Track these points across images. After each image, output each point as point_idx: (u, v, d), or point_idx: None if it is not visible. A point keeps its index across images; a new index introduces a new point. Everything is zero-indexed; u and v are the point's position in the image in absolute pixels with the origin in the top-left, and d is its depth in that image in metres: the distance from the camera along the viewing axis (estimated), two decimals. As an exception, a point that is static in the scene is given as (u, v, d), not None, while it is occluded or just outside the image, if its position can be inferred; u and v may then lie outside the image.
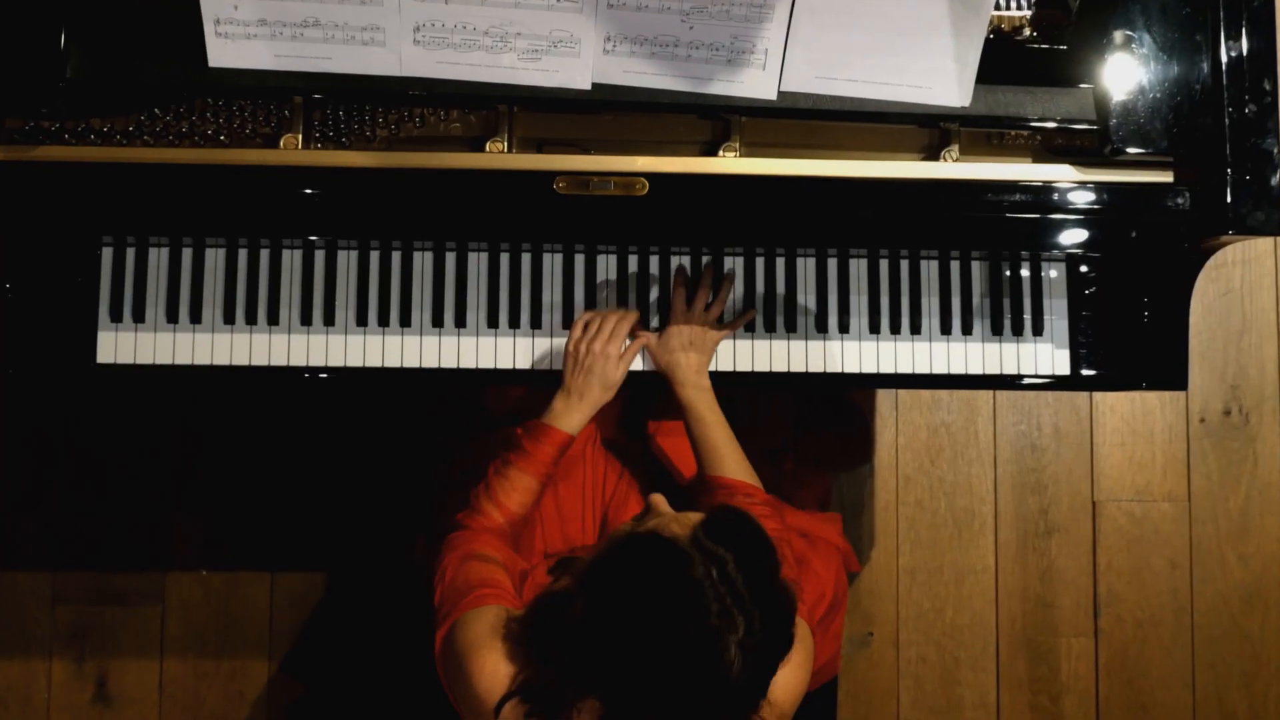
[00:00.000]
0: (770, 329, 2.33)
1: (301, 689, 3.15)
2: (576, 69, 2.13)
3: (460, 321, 2.31)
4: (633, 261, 2.34)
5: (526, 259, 2.33)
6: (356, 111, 2.24)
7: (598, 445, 2.46)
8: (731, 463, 2.24)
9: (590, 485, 2.41)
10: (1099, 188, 2.23)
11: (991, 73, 2.16)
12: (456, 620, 1.90)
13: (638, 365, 2.32)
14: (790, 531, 2.23)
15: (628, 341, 2.28)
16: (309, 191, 2.20)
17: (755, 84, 2.15)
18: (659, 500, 1.88)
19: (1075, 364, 2.33)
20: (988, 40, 2.12)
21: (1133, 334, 2.31)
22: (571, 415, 2.23)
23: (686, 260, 2.34)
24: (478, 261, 2.32)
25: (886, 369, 2.34)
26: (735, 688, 1.64)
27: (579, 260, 2.33)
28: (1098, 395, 3.27)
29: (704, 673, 1.62)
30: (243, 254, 2.30)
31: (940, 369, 2.34)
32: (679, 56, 2.12)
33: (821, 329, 2.33)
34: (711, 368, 2.30)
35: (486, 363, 2.31)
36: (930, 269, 2.35)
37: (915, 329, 2.33)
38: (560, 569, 1.88)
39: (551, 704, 1.73)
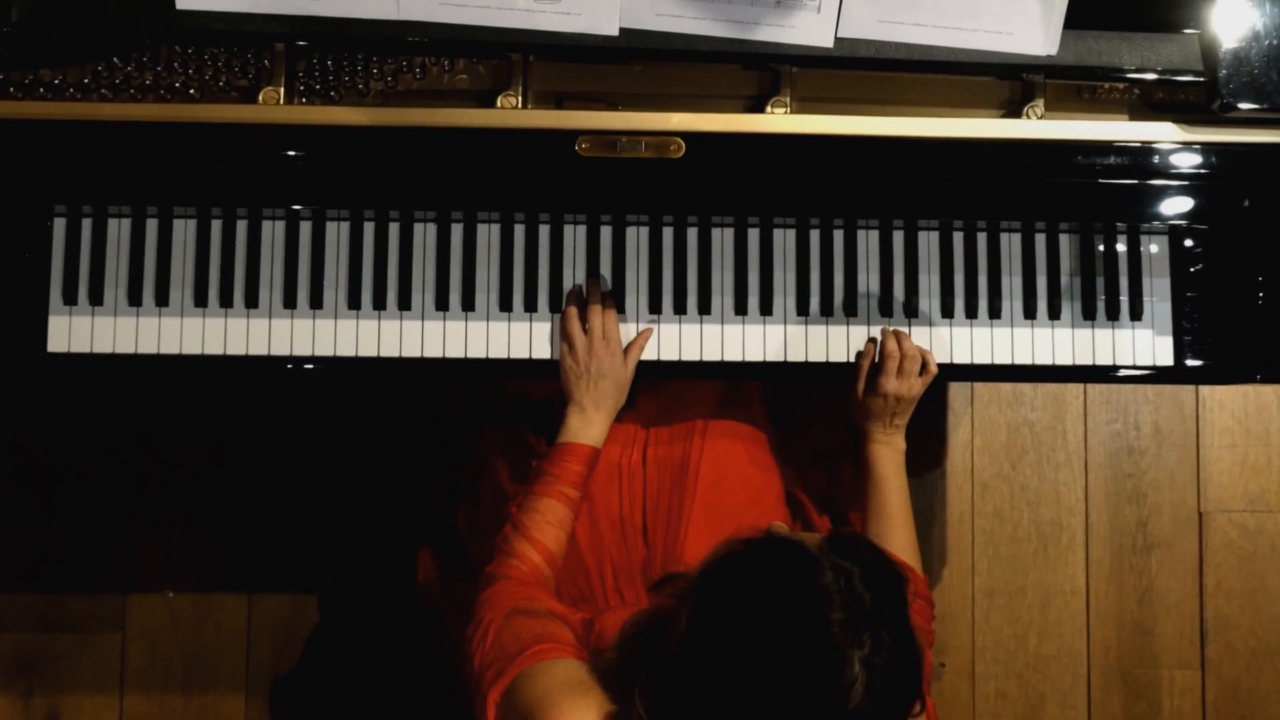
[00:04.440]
0: (827, 313, 2.33)
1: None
2: (602, 11, 2.12)
3: (468, 304, 2.30)
4: (667, 234, 2.33)
5: (544, 231, 2.33)
6: (347, 61, 2.25)
7: (637, 453, 2.43)
8: (899, 535, 2.31)
9: (627, 496, 2.39)
10: (1206, 149, 2.23)
11: (1082, 16, 2.17)
12: (518, 676, 1.87)
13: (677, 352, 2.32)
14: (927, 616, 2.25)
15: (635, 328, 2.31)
16: (292, 153, 2.21)
17: (808, 29, 2.14)
18: (779, 526, 1.90)
19: (1179, 353, 2.33)
20: (1078, -23, 2.12)
21: (1245, 318, 2.30)
22: (591, 428, 2.28)
23: (730, 234, 2.33)
24: (488, 234, 2.32)
25: (961, 359, 2.34)
26: (855, 716, 1.62)
27: (605, 233, 2.33)
28: (1204, 390, 3.28)
29: (822, 694, 1.62)
30: (216, 226, 2.30)
31: (1023, 359, 2.34)
32: (721, -3, 2.11)
33: (886, 313, 2.33)
34: (758, 357, 2.30)
35: (498, 352, 2.31)
36: (1011, 243, 2.34)
37: (994, 313, 2.33)
38: (661, 586, 1.89)
39: None
